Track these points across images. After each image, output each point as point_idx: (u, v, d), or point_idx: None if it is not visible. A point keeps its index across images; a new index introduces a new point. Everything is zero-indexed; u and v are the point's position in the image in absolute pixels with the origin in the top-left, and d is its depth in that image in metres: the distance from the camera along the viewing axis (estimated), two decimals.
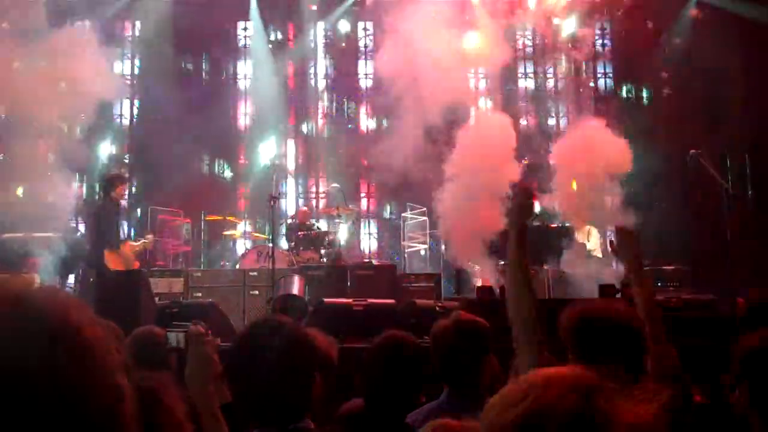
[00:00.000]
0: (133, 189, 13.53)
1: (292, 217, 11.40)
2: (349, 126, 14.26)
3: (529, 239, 2.50)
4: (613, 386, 0.86)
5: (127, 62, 13.93)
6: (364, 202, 14.17)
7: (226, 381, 2.15)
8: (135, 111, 13.98)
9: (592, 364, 2.02)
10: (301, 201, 14.05)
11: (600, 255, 10.74)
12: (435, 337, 2.85)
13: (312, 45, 14.33)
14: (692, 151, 8.38)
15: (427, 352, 2.70)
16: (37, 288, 0.90)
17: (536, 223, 9.52)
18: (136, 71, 13.97)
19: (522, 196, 2.63)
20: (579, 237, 10.93)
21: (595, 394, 0.83)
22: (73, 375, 0.81)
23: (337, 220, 11.24)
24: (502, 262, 9.55)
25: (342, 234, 11.29)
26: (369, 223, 14.16)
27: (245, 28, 14.15)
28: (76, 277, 10.29)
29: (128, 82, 13.70)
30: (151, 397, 2.09)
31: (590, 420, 0.80)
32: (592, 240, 10.77)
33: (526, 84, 14.32)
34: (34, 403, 0.78)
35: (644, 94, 14.04)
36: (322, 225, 12.04)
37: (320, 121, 14.28)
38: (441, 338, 2.83)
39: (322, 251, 10.45)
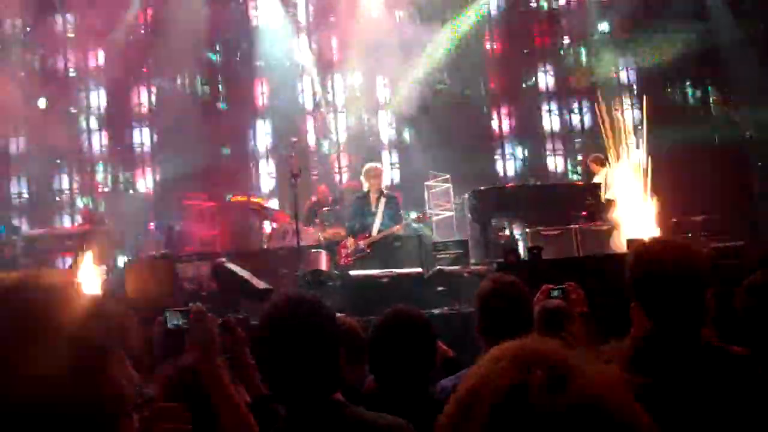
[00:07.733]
0: (157, 177, 13.63)
1: (313, 195, 11.33)
2: None
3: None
4: (573, 352, 0.81)
5: None
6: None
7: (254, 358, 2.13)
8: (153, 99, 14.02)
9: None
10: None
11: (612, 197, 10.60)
12: (480, 299, 2.85)
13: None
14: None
15: (429, 326, 2.62)
16: (22, 279, 0.96)
17: None
18: None
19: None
20: (597, 177, 10.79)
21: (534, 365, 0.78)
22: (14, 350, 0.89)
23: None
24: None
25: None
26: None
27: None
28: (107, 265, 10.43)
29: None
30: (195, 378, 2.09)
31: (522, 395, 0.76)
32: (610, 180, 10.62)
33: None
34: None
35: None
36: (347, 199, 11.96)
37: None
38: (484, 299, 2.82)
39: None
